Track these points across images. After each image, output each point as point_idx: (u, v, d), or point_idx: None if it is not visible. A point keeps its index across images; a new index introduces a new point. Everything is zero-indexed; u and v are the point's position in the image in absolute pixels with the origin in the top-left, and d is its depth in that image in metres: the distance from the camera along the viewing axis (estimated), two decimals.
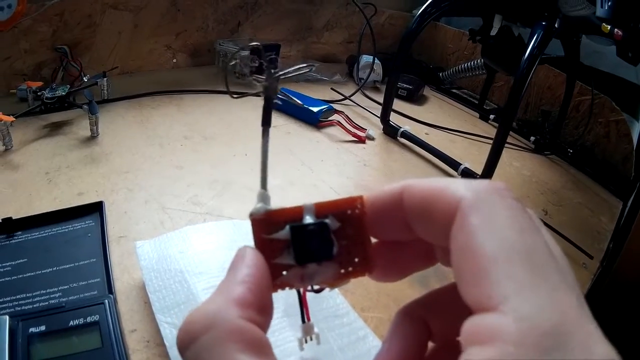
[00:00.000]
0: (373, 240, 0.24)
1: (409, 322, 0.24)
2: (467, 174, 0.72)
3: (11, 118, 0.58)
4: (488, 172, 0.68)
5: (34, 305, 0.35)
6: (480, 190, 0.19)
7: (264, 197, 0.24)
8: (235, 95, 0.29)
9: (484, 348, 0.15)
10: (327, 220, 0.24)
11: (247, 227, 0.38)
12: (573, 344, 0.15)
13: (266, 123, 0.26)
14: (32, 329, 0.31)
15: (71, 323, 0.32)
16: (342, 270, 0.24)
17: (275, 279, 0.23)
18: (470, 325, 0.16)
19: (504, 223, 0.18)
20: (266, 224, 0.24)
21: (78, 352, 0.31)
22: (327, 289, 0.25)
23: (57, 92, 0.69)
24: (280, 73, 0.25)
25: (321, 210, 0.24)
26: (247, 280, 0.21)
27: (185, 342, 0.19)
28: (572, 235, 0.64)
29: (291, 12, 1.16)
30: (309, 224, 0.24)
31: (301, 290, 0.25)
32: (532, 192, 0.77)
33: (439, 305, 0.24)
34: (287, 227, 0.24)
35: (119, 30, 0.88)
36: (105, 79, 0.77)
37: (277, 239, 0.24)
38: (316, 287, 0.24)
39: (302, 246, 0.23)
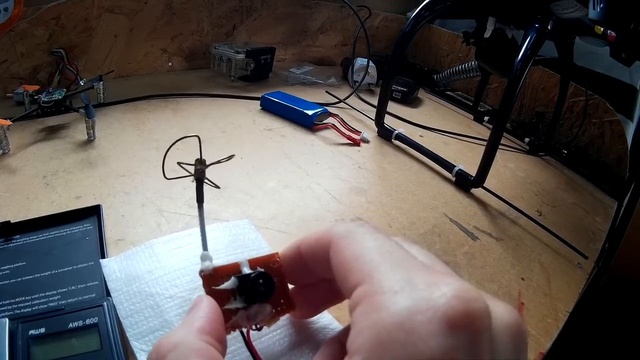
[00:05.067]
0: (290, 286, 0.31)
1: (331, 349, 0.29)
2: (462, 175, 0.73)
3: (8, 122, 0.59)
4: (482, 173, 0.69)
5: (34, 308, 0.36)
6: (347, 226, 0.26)
7: (207, 257, 0.31)
8: (168, 178, 0.36)
9: (357, 308, 0.21)
10: (262, 269, 0.31)
11: (216, 232, 0.41)
12: (419, 284, 0.20)
13: (200, 201, 0.35)
14: (31, 331, 0.32)
15: (70, 325, 0.33)
16: (274, 310, 0.31)
17: (226, 322, 0.29)
18: (353, 298, 0.21)
19: (363, 239, 0.24)
20: (214, 277, 0.31)
21: (77, 354, 0.31)
22: (265, 327, 0.32)
23: (53, 96, 0.69)
24: (209, 163, 0.36)
25: (253, 263, 0.31)
26: (205, 317, 0.26)
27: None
28: (566, 235, 0.64)
29: (286, 16, 1.16)
30: (251, 273, 0.31)
31: (245, 332, 0.31)
32: (526, 193, 0.77)
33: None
34: (232, 278, 0.30)
35: (114, 33, 0.89)
36: (101, 82, 0.77)
37: (225, 289, 0.30)
38: (258, 325, 0.31)
39: (250, 290, 0.30)
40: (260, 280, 0.30)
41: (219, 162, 0.35)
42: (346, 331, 0.28)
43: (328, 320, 0.40)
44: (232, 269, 0.31)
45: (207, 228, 0.46)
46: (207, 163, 0.36)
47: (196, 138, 0.36)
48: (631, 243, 0.66)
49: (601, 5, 0.67)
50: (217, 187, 0.38)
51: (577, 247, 0.63)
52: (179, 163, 0.35)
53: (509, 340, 0.20)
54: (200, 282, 0.38)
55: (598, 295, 0.58)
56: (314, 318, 0.40)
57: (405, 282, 0.20)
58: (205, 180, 0.36)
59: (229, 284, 0.30)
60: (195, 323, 0.25)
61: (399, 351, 0.18)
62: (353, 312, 0.21)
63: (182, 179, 0.36)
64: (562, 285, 0.55)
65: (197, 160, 0.35)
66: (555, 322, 0.49)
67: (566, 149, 0.96)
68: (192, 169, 0.35)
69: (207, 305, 0.27)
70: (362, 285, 0.21)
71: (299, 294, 0.32)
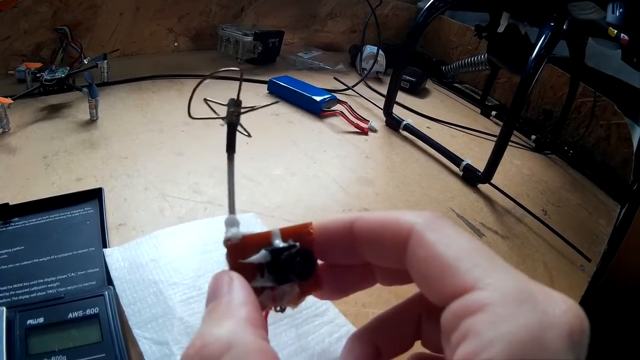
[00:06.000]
0: (319, 262, 0.27)
1: (359, 345, 0.28)
2: (470, 170, 0.72)
3: (9, 100, 0.57)
4: (490, 169, 0.68)
5: (32, 295, 0.34)
6: (427, 216, 0.24)
7: (233, 222, 0.25)
8: (194, 117, 0.27)
9: (477, 315, 0.19)
10: (299, 246, 0.26)
11: (218, 225, 0.38)
12: (538, 295, 0.20)
13: (230, 149, 0.28)
14: (30, 321, 0.30)
15: (70, 315, 0.32)
16: (299, 290, 0.27)
17: None
18: (461, 304, 0.20)
19: (454, 235, 0.23)
20: (241, 249, 0.25)
21: (77, 345, 0.30)
22: (289, 308, 0.27)
23: (56, 74, 0.68)
24: (244, 108, 0.28)
25: (286, 234, 0.26)
26: (250, 301, 0.23)
27: None
28: (570, 236, 0.63)
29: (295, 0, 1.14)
30: (287, 247, 0.25)
31: (263, 312, 0.25)
32: (532, 191, 0.76)
33: (384, 328, 0.28)
34: (263, 251, 0.25)
35: (120, 11, 0.87)
36: (105, 61, 0.76)
37: (251, 263, 0.25)
38: (283, 307, 0.27)
39: (284, 268, 0.25)
40: (298, 259, 0.26)
41: (252, 108, 0.29)
42: (377, 332, 0.28)
43: (334, 314, 0.40)
44: (263, 240, 0.26)
45: (189, 227, 0.45)
46: (240, 103, 0.28)
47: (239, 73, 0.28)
48: (630, 247, 0.66)
49: (620, 10, 0.66)
50: (249, 135, 0.30)
51: (580, 248, 0.62)
52: (205, 100, 0.28)
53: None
54: (205, 272, 0.38)
55: (595, 298, 0.58)
56: (320, 312, 0.39)
57: (524, 292, 0.20)
58: (238, 128, 0.29)
59: (258, 257, 0.25)
60: (240, 312, 0.22)
61: None
62: (466, 319, 0.19)
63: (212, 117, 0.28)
64: (565, 287, 0.55)
65: (231, 100, 0.28)
66: None
67: (572, 148, 0.95)
68: (224, 113, 0.29)
69: (243, 287, 0.24)
70: (474, 291, 0.20)
71: (329, 273, 0.28)
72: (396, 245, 0.24)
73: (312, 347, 0.36)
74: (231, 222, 0.26)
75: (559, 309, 0.19)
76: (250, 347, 0.20)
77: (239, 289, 0.23)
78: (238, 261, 0.25)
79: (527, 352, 0.18)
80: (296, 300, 0.27)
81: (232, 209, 0.27)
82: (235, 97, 0.28)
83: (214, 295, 0.23)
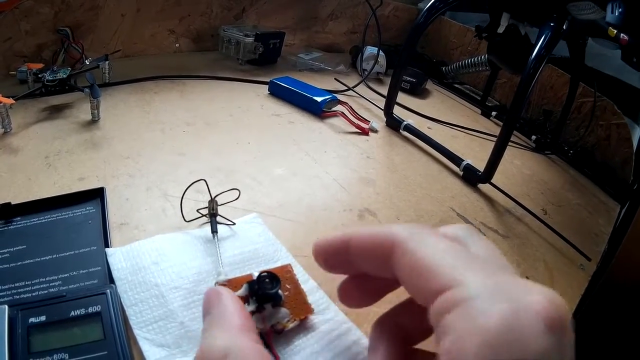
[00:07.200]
0: (344, 276, 0.32)
1: (387, 328, 0.30)
2: (470, 170, 0.72)
3: (11, 100, 0.57)
4: (490, 169, 0.68)
5: (34, 294, 0.34)
6: (410, 228, 0.26)
7: (221, 272, 0.37)
8: (187, 220, 0.46)
9: (454, 311, 0.20)
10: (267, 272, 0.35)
11: (221, 229, 0.46)
12: (513, 288, 0.21)
13: (214, 232, 0.43)
14: (32, 319, 0.30)
15: (72, 313, 0.31)
16: (291, 314, 0.35)
17: None
18: (440, 302, 0.21)
19: (432, 241, 0.24)
20: (228, 287, 0.33)
21: (79, 343, 0.30)
22: (285, 328, 0.35)
23: (58, 75, 0.68)
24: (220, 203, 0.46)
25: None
26: (239, 309, 0.27)
27: None
28: (570, 236, 0.63)
29: (296, 1, 1.14)
30: (259, 276, 0.34)
31: (265, 335, 0.33)
32: (532, 191, 0.76)
33: (406, 311, 0.30)
34: (244, 285, 0.34)
35: (122, 12, 0.87)
36: (107, 62, 0.76)
37: (238, 296, 0.33)
38: (279, 327, 0.34)
39: (258, 289, 0.33)
40: (267, 279, 0.34)
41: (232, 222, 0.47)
42: (402, 315, 0.30)
43: (334, 312, 0.40)
44: (245, 279, 0.35)
45: (190, 234, 0.46)
46: (218, 203, 0.46)
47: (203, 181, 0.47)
48: (630, 247, 0.66)
49: (620, 10, 0.66)
50: (233, 223, 0.46)
51: (580, 248, 0.62)
52: (197, 210, 0.47)
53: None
54: (206, 277, 0.39)
55: (596, 297, 0.58)
56: (320, 309, 0.39)
57: (496, 286, 0.21)
58: (218, 217, 0.45)
59: (241, 291, 0.34)
60: (234, 321, 0.26)
61: (508, 351, 0.19)
62: (445, 316, 0.21)
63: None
64: (565, 286, 0.54)
65: (209, 200, 0.46)
66: None
67: (572, 149, 0.94)
68: (206, 211, 0.46)
69: (232, 299, 0.28)
70: (451, 289, 0.21)
71: (352, 284, 0.32)
72: (384, 256, 0.26)
73: (312, 344, 0.36)
74: (219, 273, 0.37)
75: (533, 297, 0.20)
76: (246, 351, 0.23)
77: (228, 300, 0.28)
78: None
79: (502, 340, 0.19)
80: (287, 322, 0.35)
81: (220, 265, 0.39)
82: (213, 196, 0.46)
83: (207, 309, 0.28)
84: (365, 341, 0.38)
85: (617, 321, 0.67)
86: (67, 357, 0.29)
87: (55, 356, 0.29)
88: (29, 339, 0.29)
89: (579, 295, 0.53)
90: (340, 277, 0.32)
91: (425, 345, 0.29)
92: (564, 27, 0.65)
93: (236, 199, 0.49)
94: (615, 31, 0.64)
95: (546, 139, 0.95)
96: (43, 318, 0.31)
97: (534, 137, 0.96)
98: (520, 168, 0.84)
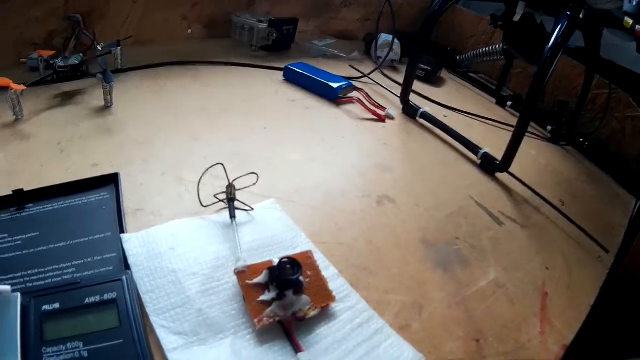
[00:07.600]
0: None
1: None
2: (487, 159, 0.70)
3: (22, 87, 0.56)
4: (508, 158, 0.67)
5: (47, 281, 0.33)
6: None
7: (240, 258, 0.37)
8: (205, 205, 0.45)
9: None
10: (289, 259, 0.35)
11: (239, 215, 0.45)
12: None
13: (232, 217, 0.42)
14: (45, 307, 0.29)
15: (87, 301, 0.30)
16: (312, 301, 0.35)
17: (258, 315, 0.33)
18: None
19: None
20: (247, 274, 0.35)
21: (95, 331, 0.28)
22: (306, 316, 0.34)
23: (69, 61, 0.67)
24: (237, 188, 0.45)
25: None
26: None
27: None
28: (587, 228, 0.61)
29: None
30: (280, 262, 0.35)
31: (286, 323, 0.34)
32: (549, 181, 0.74)
33: None
34: (264, 271, 0.35)
35: None
36: (119, 48, 0.75)
37: (258, 283, 0.35)
38: (300, 315, 0.34)
39: (279, 276, 0.34)
40: (288, 265, 0.34)
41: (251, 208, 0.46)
42: None
43: (355, 300, 0.39)
44: (265, 265, 0.36)
45: (207, 219, 0.44)
46: (236, 187, 0.46)
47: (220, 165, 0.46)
48: None
49: (638, 0, 0.65)
50: (251, 209, 0.46)
51: (598, 239, 0.60)
52: (215, 196, 0.46)
53: None
54: (224, 260, 0.37)
55: (613, 289, 0.56)
56: (341, 297, 0.39)
57: None
58: (236, 202, 0.44)
59: (261, 277, 0.35)
60: None
61: None
62: None
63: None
64: (583, 278, 0.53)
65: (227, 185, 0.46)
66: (577, 315, 0.46)
67: (587, 140, 0.93)
68: (224, 196, 0.45)
69: None
70: None
71: None
72: None
73: (334, 333, 0.35)
74: (238, 259, 0.37)
75: None
76: None
77: None
78: (246, 282, 0.35)
79: None
80: (308, 310, 0.35)
81: (239, 251, 0.38)
82: (231, 181, 0.46)
83: None
84: (387, 330, 0.37)
85: (635, 314, 0.65)
86: (82, 346, 0.28)
87: (69, 345, 0.28)
88: (42, 327, 0.28)
89: (596, 287, 0.52)
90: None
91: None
92: (581, 16, 0.63)
93: (254, 184, 0.47)
94: (631, 22, 0.64)
95: (561, 130, 0.93)
96: (57, 305, 0.29)
97: (549, 127, 0.94)
98: (536, 158, 0.82)
